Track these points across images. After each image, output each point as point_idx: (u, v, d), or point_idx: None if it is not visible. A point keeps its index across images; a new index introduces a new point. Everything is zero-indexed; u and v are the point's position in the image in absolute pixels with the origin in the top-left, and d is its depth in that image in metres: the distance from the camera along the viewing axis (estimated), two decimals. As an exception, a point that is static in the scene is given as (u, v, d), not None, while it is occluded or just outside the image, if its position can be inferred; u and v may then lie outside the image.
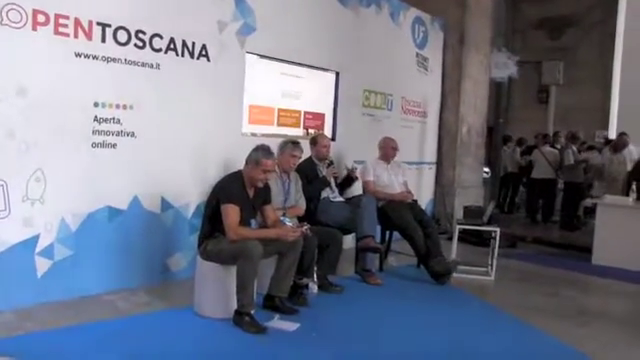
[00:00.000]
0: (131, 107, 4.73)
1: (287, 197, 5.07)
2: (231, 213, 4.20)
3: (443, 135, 9.04)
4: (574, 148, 10.22)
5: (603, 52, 15.08)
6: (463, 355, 3.97)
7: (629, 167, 8.74)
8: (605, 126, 14.37)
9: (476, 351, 4.05)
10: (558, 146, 10.75)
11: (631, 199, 7.27)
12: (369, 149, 6.55)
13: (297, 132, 6.42)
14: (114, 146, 4.65)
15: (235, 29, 5.53)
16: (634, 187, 7.40)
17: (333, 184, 5.80)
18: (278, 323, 4.22)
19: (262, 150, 4.37)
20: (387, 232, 6.31)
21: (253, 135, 5.81)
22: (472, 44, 9.01)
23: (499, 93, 9.63)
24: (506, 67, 9.55)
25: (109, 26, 4.55)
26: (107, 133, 4.60)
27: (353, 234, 5.70)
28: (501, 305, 5.19)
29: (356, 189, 6.24)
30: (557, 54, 15.47)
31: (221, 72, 5.41)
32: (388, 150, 6.31)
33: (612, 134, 13.51)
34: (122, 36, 4.64)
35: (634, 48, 14.86)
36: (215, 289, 4.29)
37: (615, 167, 9.16)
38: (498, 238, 6.17)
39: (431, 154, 8.88)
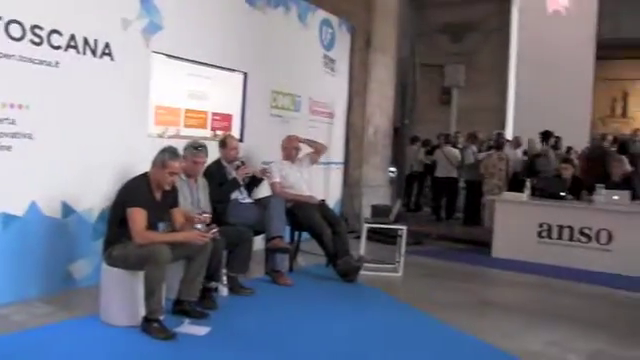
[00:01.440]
0: (27, 107, 4.48)
1: (196, 203, 4.96)
2: (137, 217, 4.08)
3: (350, 135, 9.20)
4: (474, 148, 10.70)
5: (500, 57, 15.92)
6: (371, 350, 4.05)
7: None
8: (502, 126, 15.14)
9: (383, 346, 4.16)
10: (460, 146, 11.22)
11: (525, 195, 7.70)
12: (277, 150, 6.56)
13: (204, 133, 6.33)
14: (9, 149, 4.39)
15: (140, 27, 5.38)
16: (528, 184, 7.83)
17: (242, 186, 5.76)
18: (188, 328, 4.15)
19: (169, 152, 4.28)
20: (296, 232, 6.35)
21: (160, 137, 5.67)
22: (378, 47, 9.22)
23: (404, 95, 9.93)
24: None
25: None
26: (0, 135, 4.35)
27: (263, 235, 5.70)
28: (408, 300, 5.35)
29: (265, 190, 6.23)
30: (459, 58, 16.14)
31: (125, 71, 5.24)
32: (290, 150, 6.35)
33: (509, 134, 14.27)
34: (15, 31, 4.39)
35: (525, 55, 15.84)
36: (122, 296, 4.15)
37: (493, 163, 9.77)
38: (405, 236, 6.35)
39: (338, 154, 9.01)
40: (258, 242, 5.69)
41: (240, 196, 5.67)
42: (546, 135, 10.62)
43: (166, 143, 4.57)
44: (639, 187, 7.96)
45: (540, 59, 15.43)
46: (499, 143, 10.12)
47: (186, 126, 6.13)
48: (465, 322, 4.73)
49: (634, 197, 7.33)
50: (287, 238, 6.01)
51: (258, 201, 5.88)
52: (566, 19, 15.53)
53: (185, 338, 3.98)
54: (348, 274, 5.83)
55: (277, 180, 6.15)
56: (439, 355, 4.08)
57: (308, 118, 8.10)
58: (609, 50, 18.44)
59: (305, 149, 6.56)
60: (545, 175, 8.90)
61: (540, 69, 15.40)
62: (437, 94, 16.60)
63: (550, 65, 15.39)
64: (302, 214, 5.97)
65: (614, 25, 16.60)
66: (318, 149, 6.65)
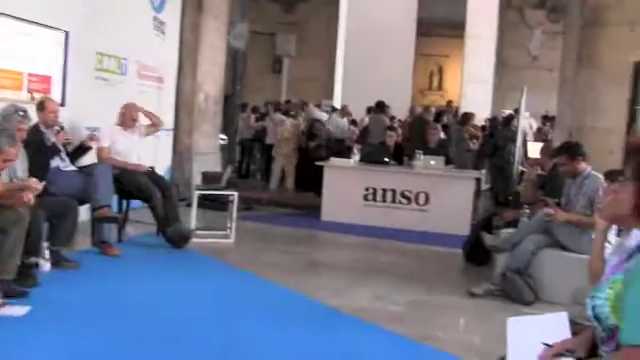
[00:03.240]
0: None
1: (14, 174, 4.53)
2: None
3: (180, 101, 8.96)
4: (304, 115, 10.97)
5: (330, 29, 16.36)
6: (203, 315, 4.05)
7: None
8: (330, 96, 15.68)
9: (216, 310, 4.20)
10: (292, 113, 11.45)
11: (352, 161, 8.09)
12: (103, 115, 6.22)
13: (20, 96, 5.80)
14: None
15: None
16: (355, 150, 8.25)
17: (63, 152, 5.40)
18: (5, 309, 3.80)
19: (6, 137, 3.90)
20: (124, 201, 6.11)
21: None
22: (210, 11, 9.04)
23: (235, 62, 9.88)
24: (242, 37, 9.89)
25: None
26: None
27: (88, 205, 5.41)
28: (241, 265, 5.45)
29: (91, 157, 5.90)
30: (290, 27, 16.32)
31: None
32: (128, 118, 6.10)
33: (337, 103, 14.81)
34: None
35: (353, 28, 16.49)
36: None
37: (288, 129, 10.37)
38: (236, 201, 6.39)
39: (168, 121, 8.73)
40: (83, 212, 5.39)
41: (62, 164, 5.33)
42: (379, 105, 11.23)
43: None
44: (453, 153, 8.75)
45: (367, 33, 16.14)
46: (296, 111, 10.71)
47: (-3, 87, 5.58)
48: (296, 282, 4.91)
49: (448, 162, 8.03)
50: (115, 207, 5.76)
51: (82, 169, 5.56)
52: (391, -3, 16.36)
53: (1, 320, 3.66)
54: (178, 241, 5.76)
55: (106, 145, 5.87)
56: (270, 314, 4.19)
57: (136, 82, 7.74)
58: (427, 28, 19.83)
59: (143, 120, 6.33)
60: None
61: (367, 43, 16.12)
62: (268, 63, 16.70)
63: (376, 39, 16.17)
64: (129, 180, 5.76)
65: (431, 5, 17.83)
66: (155, 123, 6.51)
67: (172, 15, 8.55)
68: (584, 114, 7.03)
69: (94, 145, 5.80)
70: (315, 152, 9.70)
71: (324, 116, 11.67)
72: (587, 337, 2.09)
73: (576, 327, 2.24)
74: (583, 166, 4.95)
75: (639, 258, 1.90)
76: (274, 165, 10.42)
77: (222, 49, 9.55)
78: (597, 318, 1.96)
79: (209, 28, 9.06)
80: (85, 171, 5.48)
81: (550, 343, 2.11)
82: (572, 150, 5.03)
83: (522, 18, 16.28)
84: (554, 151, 5.51)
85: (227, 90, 9.89)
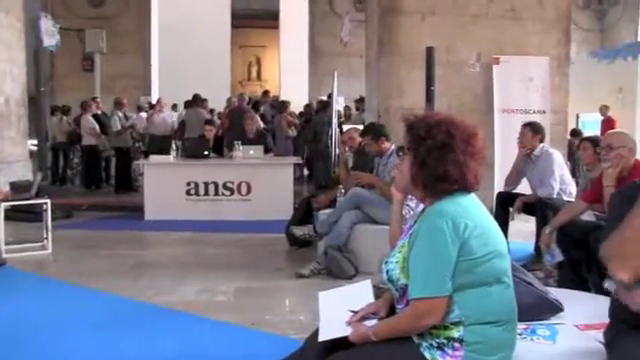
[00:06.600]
0: None
1: None
2: None
3: (-23, 107, 8.22)
4: (120, 114, 10.55)
5: (142, 23, 15.83)
6: (19, 337, 3.78)
7: None
8: (148, 92, 15.24)
9: (33, 327, 3.95)
10: (99, 112, 11.01)
11: (172, 157, 7.98)
12: None
13: None
14: None
15: None
16: (175, 145, 8.14)
17: None
18: None
19: None
20: None
21: None
22: (2, 6, 8.35)
23: (39, 61, 9.20)
24: (54, 35, 9.26)
25: None
26: None
27: None
28: (60, 276, 5.17)
29: None
30: (99, 22, 15.53)
31: None
32: None
33: (154, 99, 14.47)
34: None
35: (167, 22, 16.16)
36: None
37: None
38: (50, 210, 6.03)
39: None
40: None
41: None
42: (195, 99, 11.14)
43: None
44: (276, 141, 8.95)
45: (181, 27, 15.92)
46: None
47: None
48: (121, 286, 4.77)
49: (267, 150, 8.21)
50: None
51: None
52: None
53: None
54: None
55: None
56: (96, 322, 4.00)
57: None
58: (243, 20, 20.00)
59: None
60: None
61: (182, 36, 15.90)
62: (78, 60, 15.78)
63: (191, 33, 16.02)
64: None
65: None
66: None
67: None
68: (389, 96, 7.59)
69: None
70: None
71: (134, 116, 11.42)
72: (387, 299, 2.31)
73: (379, 292, 2.46)
74: (387, 145, 5.36)
75: (420, 222, 2.14)
76: None
77: (21, 47, 8.87)
78: (390, 280, 2.17)
79: (2, 25, 8.37)
80: None
81: (356, 309, 2.29)
82: (375, 132, 5.43)
83: (331, 7, 16.97)
84: (361, 132, 5.89)
85: (32, 92, 9.21)
